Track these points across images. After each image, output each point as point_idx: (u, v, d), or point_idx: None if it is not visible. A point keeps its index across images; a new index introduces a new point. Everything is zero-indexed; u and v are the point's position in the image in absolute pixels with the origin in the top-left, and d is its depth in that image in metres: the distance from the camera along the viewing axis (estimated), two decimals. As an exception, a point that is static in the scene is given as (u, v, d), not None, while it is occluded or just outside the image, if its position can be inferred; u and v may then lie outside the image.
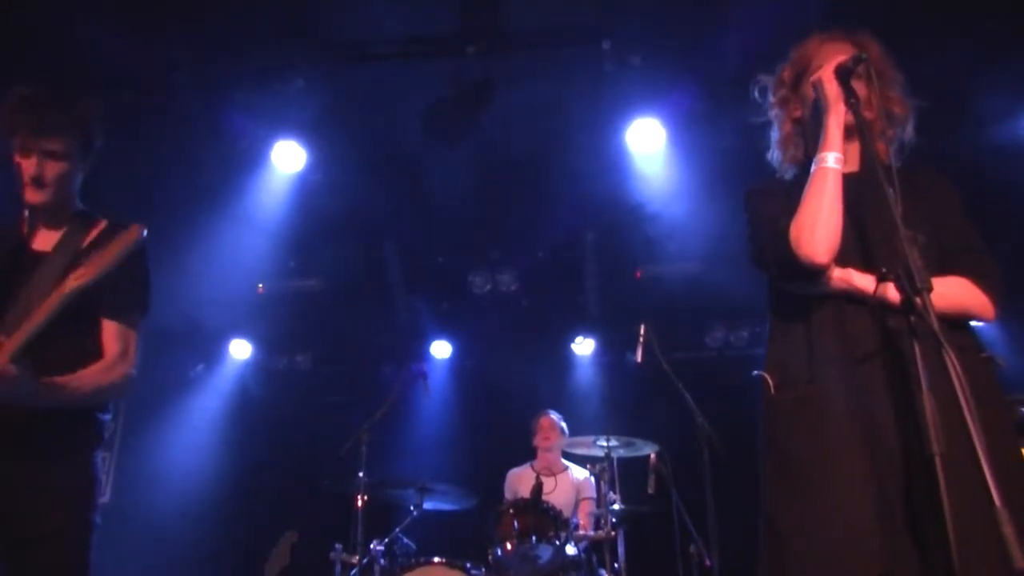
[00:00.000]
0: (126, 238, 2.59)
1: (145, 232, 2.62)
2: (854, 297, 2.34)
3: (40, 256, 2.92)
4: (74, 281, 2.55)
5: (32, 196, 2.89)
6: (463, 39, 5.93)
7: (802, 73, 2.62)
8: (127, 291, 2.91)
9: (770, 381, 2.45)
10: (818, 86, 2.44)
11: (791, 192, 2.50)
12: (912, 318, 2.03)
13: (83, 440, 2.82)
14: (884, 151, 2.43)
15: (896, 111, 2.54)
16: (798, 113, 2.65)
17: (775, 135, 2.73)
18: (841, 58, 2.41)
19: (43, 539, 2.64)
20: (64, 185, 2.95)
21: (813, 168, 2.40)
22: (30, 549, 2.64)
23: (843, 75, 2.39)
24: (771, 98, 2.73)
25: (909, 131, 2.57)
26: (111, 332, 2.87)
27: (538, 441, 6.76)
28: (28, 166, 2.87)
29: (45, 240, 2.97)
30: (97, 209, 3.13)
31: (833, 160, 2.36)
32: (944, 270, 2.37)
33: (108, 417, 2.93)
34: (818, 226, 2.33)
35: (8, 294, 2.81)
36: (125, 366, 2.86)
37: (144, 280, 3.03)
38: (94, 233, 2.98)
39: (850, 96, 2.37)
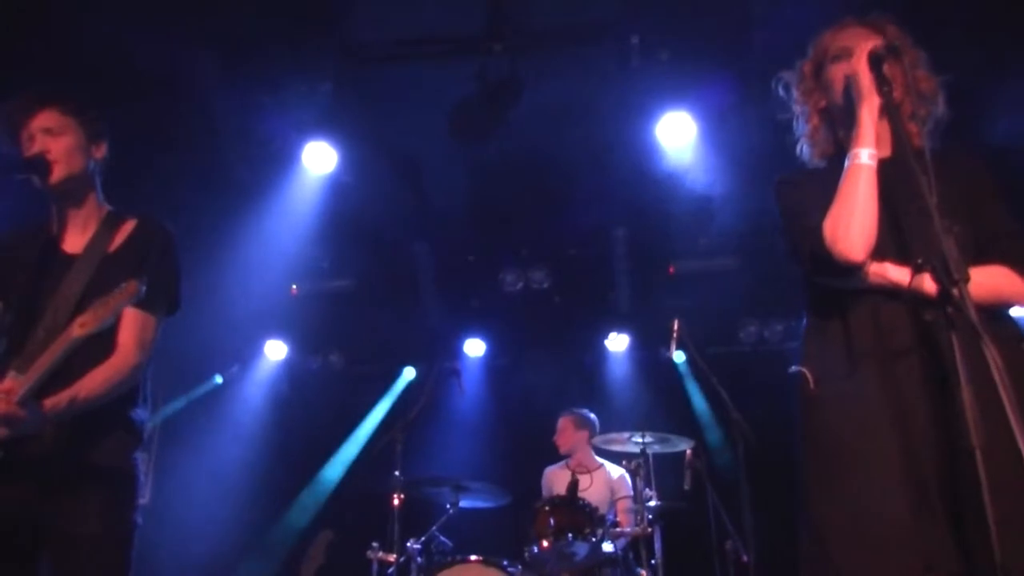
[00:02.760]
0: (126, 292, 2.62)
1: (143, 288, 2.64)
2: (890, 291, 2.31)
3: (70, 259, 2.95)
4: (79, 329, 2.59)
5: (47, 177, 2.92)
6: (490, 37, 5.93)
7: (822, 63, 2.61)
8: (154, 282, 2.88)
9: (809, 377, 2.43)
10: (851, 77, 2.40)
11: (824, 182, 2.46)
12: (949, 310, 2.01)
13: (119, 442, 2.84)
14: (916, 133, 2.40)
15: (924, 88, 2.51)
16: (823, 103, 2.63)
17: (802, 129, 2.70)
18: (872, 43, 2.38)
19: (85, 541, 2.68)
20: (73, 160, 2.97)
21: (847, 163, 2.36)
22: (73, 551, 2.67)
23: (875, 63, 2.36)
24: (795, 93, 2.72)
25: (940, 106, 2.54)
26: (129, 320, 2.87)
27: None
28: (32, 147, 2.92)
29: (75, 241, 3.01)
30: (130, 210, 3.16)
31: (867, 156, 2.33)
32: (981, 257, 2.33)
33: (143, 415, 2.95)
34: (853, 223, 2.30)
35: (36, 303, 2.85)
36: (137, 356, 2.86)
37: (172, 273, 3.05)
38: (123, 233, 3.02)
39: (883, 84, 2.34)
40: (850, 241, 2.29)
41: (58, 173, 2.93)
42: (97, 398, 2.74)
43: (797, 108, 2.72)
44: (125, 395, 2.87)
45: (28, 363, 2.65)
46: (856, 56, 2.39)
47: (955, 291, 1.98)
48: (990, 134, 5.59)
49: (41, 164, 2.90)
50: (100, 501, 2.73)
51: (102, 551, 2.71)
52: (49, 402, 2.61)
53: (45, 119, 2.96)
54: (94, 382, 2.73)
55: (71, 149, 2.97)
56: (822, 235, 2.33)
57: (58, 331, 2.71)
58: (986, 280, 2.25)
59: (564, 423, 6.78)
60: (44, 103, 2.98)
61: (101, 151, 3.09)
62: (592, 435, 6.49)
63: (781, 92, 2.78)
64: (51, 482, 2.68)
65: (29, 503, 2.66)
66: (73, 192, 3.01)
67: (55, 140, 2.95)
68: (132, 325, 2.88)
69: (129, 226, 3.05)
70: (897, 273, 2.30)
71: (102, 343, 2.80)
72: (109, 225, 3.03)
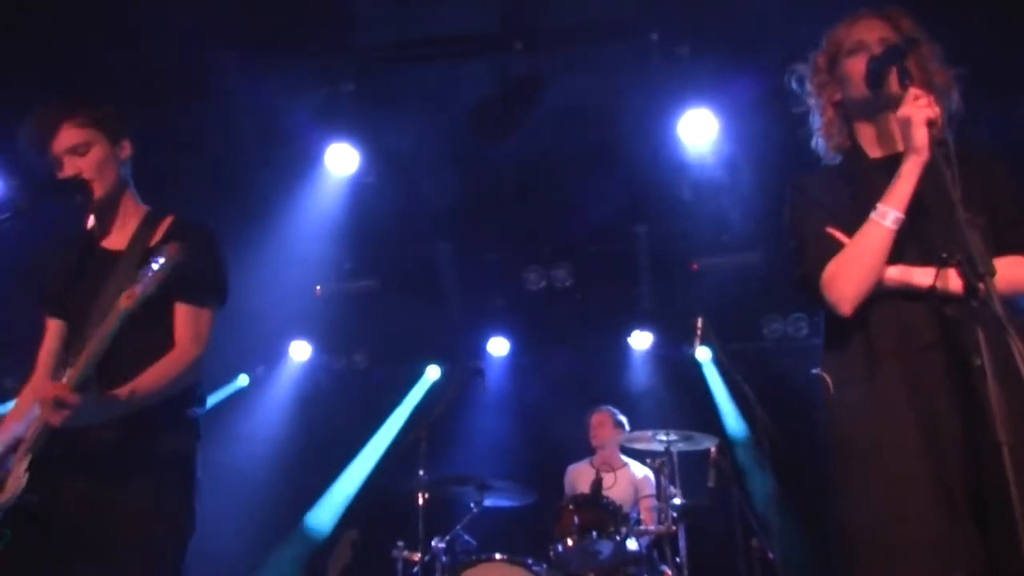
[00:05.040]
0: (167, 254, 2.59)
1: (185, 251, 2.60)
2: (911, 291, 2.30)
3: (113, 256, 2.97)
4: (126, 300, 2.56)
5: (90, 197, 2.94)
6: (510, 36, 5.93)
7: (836, 56, 2.58)
8: (200, 274, 2.91)
9: (828, 381, 2.43)
10: (905, 127, 2.31)
11: (836, 184, 2.50)
12: (975, 305, 1.99)
13: (177, 440, 2.86)
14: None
15: (939, 81, 2.49)
16: (838, 96, 2.61)
17: (817, 122, 2.69)
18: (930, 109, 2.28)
19: (139, 544, 2.68)
20: (105, 172, 2.97)
21: (871, 215, 2.32)
22: (123, 552, 2.67)
23: (896, 55, 2.34)
24: (809, 86, 2.70)
25: (955, 100, 2.52)
26: (182, 316, 2.88)
27: (590, 439, 6.76)
28: (64, 171, 2.93)
29: (115, 239, 3.03)
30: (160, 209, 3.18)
31: (891, 220, 2.29)
32: (1001, 249, 2.30)
33: (201, 411, 2.98)
34: (851, 280, 2.33)
35: (82, 300, 2.87)
36: (194, 350, 2.86)
37: (218, 264, 3.04)
38: (162, 229, 3.02)
39: (905, 78, 2.32)
40: (843, 294, 2.34)
41: (97, 191, 2.95)
42: (156, 393, 2.74)
43: (811, 101, 2.70)
44: (181, 393, 2.87)
45: (79, 351, 2.65)
46: (915, 109, 2.28)
47: (981, 286, 1.96)
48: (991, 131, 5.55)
49: (80, 186, 2.92)
50: (157, 500, 2.74)
51: (154, 554, 2.71)
52: (109, 393, 2.62)
53: (67, 137, 2.94)
54: (153, 377, 2.74)
55: (101, 163, 2.96)
56: (820, 272, 2.38)
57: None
58: (1008, 272, 2.22)
59: (603, 418, 6.79)
60: (62, 119, 2.95)
61: (126, 151, 3.08)
62: (621, 436, 6.48)
63: (794, 85, 2.77)
64: (107, 479, 2.69)
65: (85, 499, 2.68)
66: (111, 198, 3.03)
67: (83, 158, 2.94)
68: (186, 320, 2.89)
69: (167, 223, 3.05)
70: (920, 276, 2.29)
71: (160, 340, 2.82)
72: (149, 224, 3.04)
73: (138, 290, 2.57)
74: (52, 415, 2.52)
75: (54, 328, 3.05)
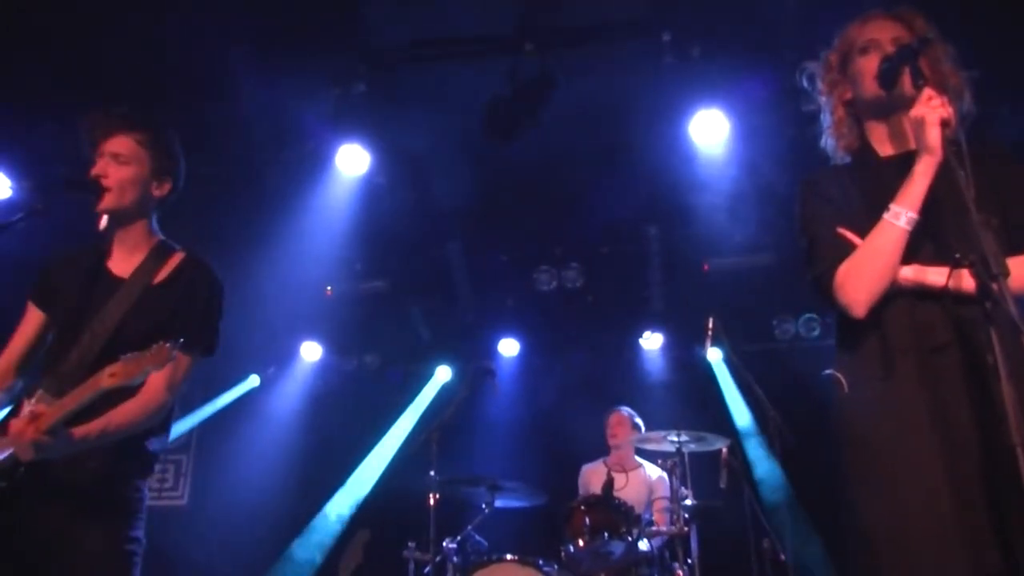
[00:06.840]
0: (158, 356, 2.54)
1: (175, 353, 2.56)
2: (925, 290, 2.29)
3: (115, 281, 2.98)
4: (108, 379, 2.56)
5: (97, 202, 2.95)
6: (521, 37, 5.92)
7: (848, 55, 2.58)
8: (192, 325, 2.94)
9: (843, 380, 2.42)
10: (918, 127, 2.29)
11: (847, 184, 2.49)
12: (988, 305, 1.98)
13: (127, 470, 2.87)
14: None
15: (952, 83, 2.48)
16: (849, 95, 2.60)
17: (827, 121, 2.67)
18: (942, 110, 2.26)
19: (82, 560, 2.71)
20: (127, 192, 2.98)
21: (885, 216, 2.31)
22: (71, 570, 2.72)
23: (910, 55, 2.33)
24: (820, 84, 2.69)
25: (968, 101, 2.50)
26: None
27: (607, 438, 6.76)
28: (95, 168, 2.96)
29: (124, 264, 3.04)
30: (169, 224, 3.20)
31: (905, 220, 2.28)
32: (1014, 248, 2.28)
33: (159, 444, 2.98)
34: (864, 282, 2.32)
35: (78, 320, 2.89)
36: (164, 396, 2.87)
37: (214, 318, 3.07)
38: (170, 266, 3.04)
39: (919, 78, 2.31)
40: (857, 296, 2.33)
41: (106, 201, 2.96)
42: (124, 431, 2.77)
43: (822, 99, 2.69)
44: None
45: (59, 386, 2.70)
46: (928, 110, 2.26)
47: (994, 286, 1.95)
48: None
49: (94, 187, 2.94)
50: (104, 523, 2.77)
51: (99, 571, 2.74)
52: (79, 431, 2.64)
53: (117, 144, 2.99)
54: (122, 416, 2.76)
55: (129, 181, 2.98)
56: (833, 273, 2.37)
57: (92, 355, 2.78)
58: (1019, 270, 2.18)
59: (622, 418, 6.79)
60: (122, 128, 3.01)
61: (163, 189, 3.10)
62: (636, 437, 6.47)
63: (806, 83, 2.76)
64: (62, 505, 2.73)
65: (41, 524, 2.71)
66: (120, 218, 3.05)
67: (118, 168, 2.97)
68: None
69: (176, 259, 3.07)
70: (933, 274, 2.28)
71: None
72: (157, 255, 3.05)
73: (121, 378, 2.56)
74: (25, 452, 2.57)
75: (34, 318, 3.08)
